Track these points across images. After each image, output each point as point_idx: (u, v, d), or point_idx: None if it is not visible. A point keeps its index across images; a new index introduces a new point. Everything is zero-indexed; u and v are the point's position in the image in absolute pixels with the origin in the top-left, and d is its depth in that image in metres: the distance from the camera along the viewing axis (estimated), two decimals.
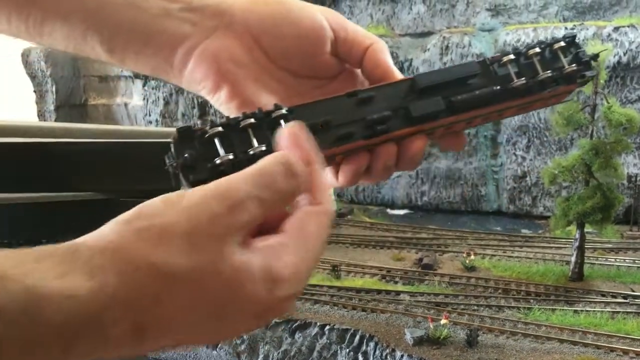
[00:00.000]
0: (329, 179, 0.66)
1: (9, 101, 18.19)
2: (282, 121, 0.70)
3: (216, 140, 0.67)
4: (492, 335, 7.83)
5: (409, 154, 0.79)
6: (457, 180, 13.90)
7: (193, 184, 0.66)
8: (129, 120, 18.08)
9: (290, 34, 0.79)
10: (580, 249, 9.24)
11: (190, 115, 16.29)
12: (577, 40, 0.82)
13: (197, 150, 0.67)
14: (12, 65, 18.37)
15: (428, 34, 14.13)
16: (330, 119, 0.74)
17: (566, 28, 12.29)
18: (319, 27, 0.80)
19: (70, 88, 18.67)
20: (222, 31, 0.79)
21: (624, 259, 10.21)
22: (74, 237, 0.52)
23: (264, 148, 0.67)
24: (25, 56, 18.40)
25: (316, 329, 8.36)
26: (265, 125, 0.70)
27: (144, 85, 16.72)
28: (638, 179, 12.24)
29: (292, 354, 8.42)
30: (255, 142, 0.68)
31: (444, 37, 13.53)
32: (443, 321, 7.80)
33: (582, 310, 8.35)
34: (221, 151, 0.67)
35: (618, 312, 8.30)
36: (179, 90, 16.02)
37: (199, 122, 16.36)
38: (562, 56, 0.81)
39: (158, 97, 16.52)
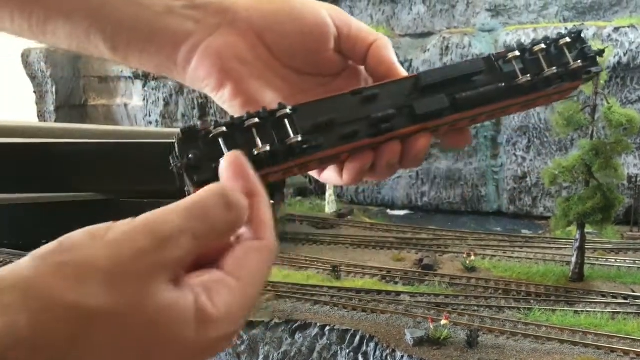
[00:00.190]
0: (269, 215, 0.62)
1: (9, 102, 18.18)
2: (286, 121, 0.69)
3: (220, 140, 0.67)
4: (492, 336, 7.82)
5: (413, 152, 0.78)
6: (457, 180, 13.89)
7: (198, 184, 0.65)
8: (128, 121, 18.07)
9: (293, 31, 0.79)
10: (581, 250, 9.23)
11: (190, 116, 16.28)
12: (582, 36, 0.81)
13: (201, 151, 0.67)
14: (12, 66, 18.36)
15: (428, 34, 14.12)
16: (335, 118, 0.73)
17: (566, 29, 12.20)
18: (322, 23, 0.79)
19: (70, 89, 18.67)
20: (226, 28, 0.78)
21: (625, 260, 10.20)
22: None
23: (268, 148, 0.67)
24: (25, 57, 18.39)
25: (316, 330, 8.35)
26: (270, 124, 0.69)
27: (144, 86, 16.71)
28: (638, 179, 12.23)
29: (292, 354, 8.41)
30: (259, 142, 0.68)
31: (444, 38, 13.52)
32: (443, 322, 7.79)
33: (582, 311, 8.33)
34: (225, 151, 0.66)
35: (618, 312, 8.29)
36: (179, 91, 16.01)
37: (199, 122, 16.34)
38: (567, 52, 0.80)
39: (158, 98, 16.51)
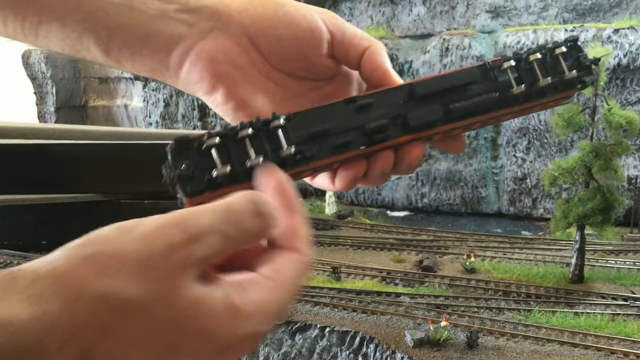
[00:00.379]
0: (306, 230, 0.62)
1: (9, 103, 18.19)
2: (279, 132, 0.69)
3: (213, 152, 0.67)
4: (492, 337, 7.82)
5: (406, 161, 0.78)
6: (457, 182, 13.90)
7: (191, 195, 0.65)
8: (129, 122, 18.08)
9: (286, 35, 0.79)
10: (581, 251, 9.23)
11: (190, 117, 16.29)
12: (579, 44, 0.81)
13: (194, 161, 0.67)
14: (13, 67, 18.38)
15: (428, 35, 14.13)
16: (328, 128, 0.73)
17: (566, 30, 12.29)
18: (315, 28, 0.79)
19: (71, 89, 18.68)
20: (219, 32, 0.78)
21: (625, 261, 10.21)
22: (74, 239, 0.51)
23: (261, 160, 0.67)
24: (26, 58, 18.41)
25: (316, 331, 8.35)
26: (263, 135, 0.69)
27: (144, 87, 16.72)
28: (638, 181, 12.23)
29: (292, 355, 8.41)
30: (252, 154, 0.68)
31: (444, 39, 13.53)
32: (443, 323, 7.80)
33: (582, 313, 8.34)
34: (218, 163, 0.66)
35: (618, 314, 8.30)
36: (179, 92, 16.02)
37: (199, 123, 16.36)
38: (563, 61, 0.80)
39: (158, 99, 16.52)
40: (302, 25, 0.79)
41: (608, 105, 8.58)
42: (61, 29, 0.76)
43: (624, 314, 8.29)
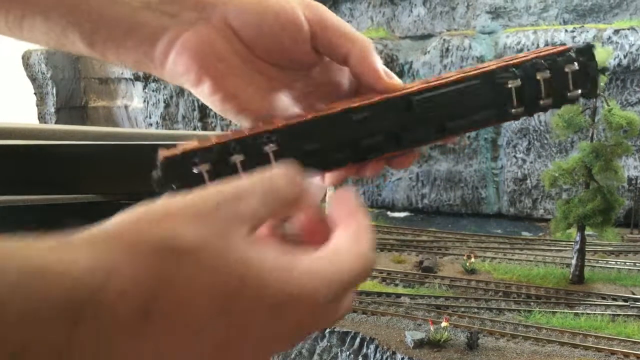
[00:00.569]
0: (370, 234, 0.62)
1: (9, 103, 18.20)
2: (271, 155, 0.69)
3: (204, 174, 0.67)
4: (492, 338, 7.82)
5: (398, 166, 0.79)
6: (458, 183, 13.90)
7: None
8: (129, 123, 18.09)
9: (267, 27, 0.79)
10: (581, 252, 9.23)
11: (190, 117, 16.30)
12: (593, 53, 0.79)
13: (184, 183, 0.67)
14: (13, 68, 18.39)
15: (428, 36, 14.14)
16: (322, 146, 0.73)
17: (566, 31, 12.30)
18: (294, 20, 0.79)
19: (71, 90, 18.69)
20: (203, 24, 0.79)
21: (625, 262, 10.21)
22: None
23: None
24: (26, 58, 18.42)
25: (316, 332, 8.35)
26: (255, 160, 0.69)
27: (144, 88, 16.72)
28: (638, 181, 12.23)
29: (292, 356, 8.40)
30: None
31: (444, 40, 13.53)
32: (443, 324, 7.80)
33: (582, 313, 8.34)
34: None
35: (619, 315, 8.29)
36: (180, 93, 16.03)
37: (199, 124, 16.35)
38: (570, 80, 0.79)
39: (158, 100, 16.52)
40: (281, 17, 0.78)
41: (608, 106, 8.58)
42: (45, 22, 0.77)
43: (624, 315, 8.29)
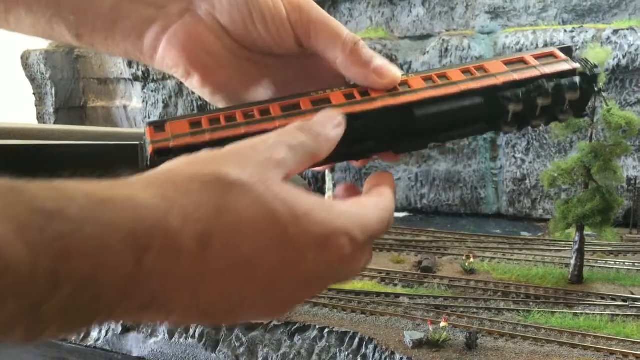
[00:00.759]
0: (392, 188, 0.73)
1: (8, 103, 18.18)
2: None
3: None
4: (491, 338, 7.82)
5: (387, 161, 0.82)
6: (457, 183, 13.90)
7: None
8: (128, 123, 18.07)
9: (250, 19, 0.78)
10: (580, 252, 9.23)
11: None
12: (594, 89, 0.78)
13: None
14: (11, 68, 18.37)
15: (427, 36, 14.13)
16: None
17: (565, 31, 12.30)
18: (276, 15, 0.79)
19: (70, 90, 18.67)
20: (190, 17, 0.78)
21: (624, 262, 10.21)
22: None
23: None
24: (25, 58, 18.39)
25: (315, 332, 8.34)
26: None
27: (143, 88, 16.71)
28: (638, 181, 12.24)
29: (291, 356, 8.40)
30: None
31: (443, 40, 13.53)
32: (442, 324, 7.80)
33: (581, 313, 8.34)
34: None
35: (618, 315, 8.29)
36: (179, 93, 16.02)
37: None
38: (567, 105, 0.78)
39: (157, 100, 16.51)
40: (264, 8, 0.78)
41: (607, 106, 8.57)
42: (30, 15, 0.77)
43: (623, 315, 8.29)
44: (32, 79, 18.61)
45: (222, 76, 0.82)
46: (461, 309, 8.73)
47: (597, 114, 8.87)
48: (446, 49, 13.42)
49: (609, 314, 8.31)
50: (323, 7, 0.85)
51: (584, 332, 7.81)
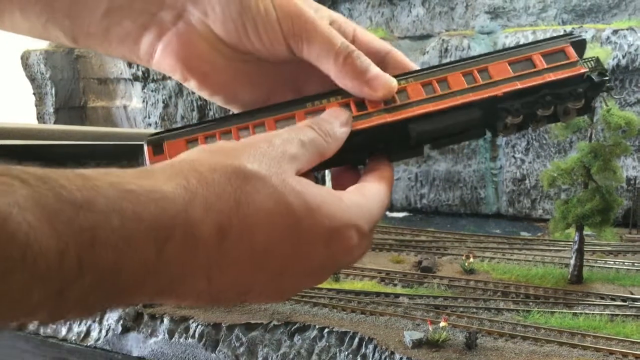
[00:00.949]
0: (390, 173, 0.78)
1: (8, 103, 18.17)
2: None
3: None
4: (491, 338, 7.82)
5: None
6: (456, 183, 13.90)
7: None
8: (128, 123, 18.07)
9: (243, 26, 0.78)
10: (580, 252, 9.23)
11: (189, 118, 16.28)
12: (598, 95, 0.77)
13: None
14: (12, 68, 18.36)
15: (427, 36, 14.14)
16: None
17: (565, 31, 12.29)
18: (272, 27, 0.79)
19: (70, 90, 18.66)
20: (183, 24, 0.78)
21: (623, 262, 10.21)
22: None
23: None
24: (25, 58, 18.38)
25: (315, 332, 8.34)
26: None
27: (143, 88, 16.71)
28: (637, 181, 12.24)
29: (291, 356, 8.40)
30: None
31: (443, 40, 13.53)
32: (442, 324, 7.80)
33: (581, 313, 8.34)
34: None
35: (617, 314, 8.29)
36: (178, 93, 16.01)
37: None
38: (566, 111, 0.78)
39: (157, 100, 16.50)
40: (257, 19, 0.78)
41: (607, 106, 8.57)
42: (25, 19, 0.77)
43: (622, 315, 8.29)
44: (32, 79, 18.60)
45: (219, 80, 0.83)
46: (461, 309, 8.73)
47: (597, 114, 8.87)
48: (446, 49, 13.42)
49: (608, 314, 8.31)
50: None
51: (584, 332, 7.81)
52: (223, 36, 0.80)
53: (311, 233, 0.60)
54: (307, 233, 0.59)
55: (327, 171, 0.77)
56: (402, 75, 0.78)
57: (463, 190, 13.86)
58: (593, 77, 0.80)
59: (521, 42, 12.70)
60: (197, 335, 8.77)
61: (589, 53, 0.83)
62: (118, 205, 0.46)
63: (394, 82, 0.78)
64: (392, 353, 7.66)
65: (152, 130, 16.19)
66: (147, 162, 0.71)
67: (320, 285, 9.42)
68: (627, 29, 12.11)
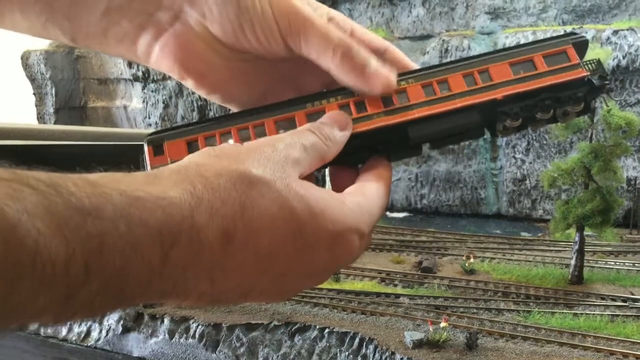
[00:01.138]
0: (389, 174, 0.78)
1: (8, 104, 18.17)
2: None
3: None
4: (491, 339, 7.82)
5: None
6: (457, 183, 13.89)
7: None
8: (128, 123, 18.07)
9: (241, 30, 0.78)
10: (580, 252, 9.23)
11: (189, 118, 16.29)
12: (597, 97, 0.78)
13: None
14: (12, 68, 18.36)
15: (427, 37, 14.14)
16: None
17: (565, 31, 12.28)
18: (270, 26, 0.78)
19: (70, 90, 18.67)
20: (180, 25, 0.79)
21: (624, 262, 10.21)
22: None
23: None
24: (25, 59, 18.39)
25: (315, 332, 8.34)
26: None
27: (143, 88, 16.71)
28: (637, 182, 12.23)
29: (291, 357, 8.40)
30: None
31: (443, 40, 13.54)
32: (442, 324, 7.80)
33: (581, 314, 8.34)
34: None
35: (617, 315, 8.29)
36: (179, 93, 16.02)
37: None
38: (565, 113, 0.78)
39: (157, 100, 16.51)
40: (254, 19, 0.78)
41: (607, 106, 8.57)
42: (25, 18, 0.78)
43: (623, 315, 8.29)
44: (32, 79, 18.60)
45: (216, 79, 0.83)
46: (461, 309, 8.73)
47: (597, 114, 8.87)
48: (446, 50, 13.42)
49: (609, 314, 8.31)
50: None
51: (584, 333, 7.81)
52: (220, 36, 0.80)
53: (315, 237, 0.60)
54: (311, 237, 0.60)
55: (326, 170, 0.77)
56: (403, 75, 0.78)
57: (463, 190, 13.86)
58: (593, 81, 0.79)
59: (521, 43, 12.77)
60: (197, 336, 8.77)
61: (589, 54, 0.83)
62: (125, 212, 0.47)
63: (393, 77, 0.78)
64: (393, 353, 7.66)
65: (152, 130, 16.16)
66: (148, 162, 0.72)
67: (320, 286, 9.42)
68: (627, 30, 12.11)
